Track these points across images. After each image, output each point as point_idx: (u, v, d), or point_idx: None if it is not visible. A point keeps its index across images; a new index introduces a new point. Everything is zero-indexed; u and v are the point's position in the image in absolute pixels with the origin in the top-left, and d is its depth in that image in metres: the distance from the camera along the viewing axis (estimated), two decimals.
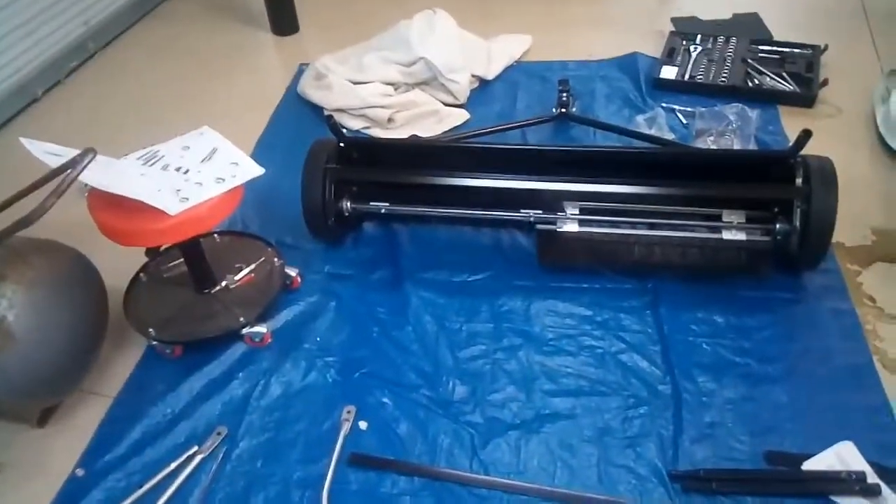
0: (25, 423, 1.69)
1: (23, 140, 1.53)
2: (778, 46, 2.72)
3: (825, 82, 2.49)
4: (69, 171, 1.31)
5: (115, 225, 1.57)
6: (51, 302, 1.52)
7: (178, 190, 1.60)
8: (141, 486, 1.54)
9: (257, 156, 2.27)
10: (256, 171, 1.70)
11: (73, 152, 1.47)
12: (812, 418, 1.57)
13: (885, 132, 2.26)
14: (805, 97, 2.47)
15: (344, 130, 2.08)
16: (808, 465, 1.48)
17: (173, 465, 1.57)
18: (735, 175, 1.81)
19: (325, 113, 2.02)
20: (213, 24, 3.43)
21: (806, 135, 1.69)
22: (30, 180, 1.50)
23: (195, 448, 1.60)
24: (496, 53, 2.80)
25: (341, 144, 1.96)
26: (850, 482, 1.43)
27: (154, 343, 1.79)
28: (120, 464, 1.59)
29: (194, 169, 1.67)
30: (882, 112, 2.31)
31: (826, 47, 2.66)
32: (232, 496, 1.52)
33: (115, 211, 1.57)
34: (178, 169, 1.67)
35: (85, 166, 1.30)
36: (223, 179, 1.65)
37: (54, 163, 1.45)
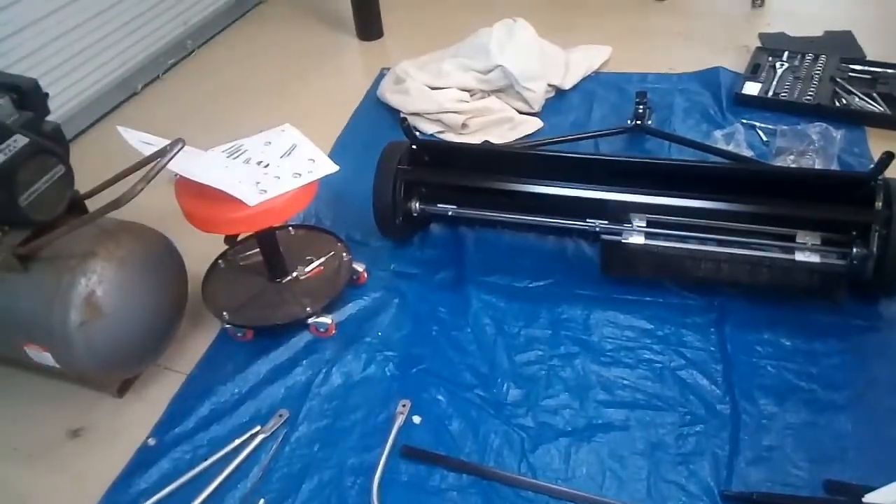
0: (106, 392, 1.81)
1: (119, 128, 1.65)
2: (870, 66, 2.62)
3: None
4: (159, 159, 1.40)
5: (198, 212, 1.67)
6: (136, 279, 1.63)
7: (258, 182, 1.69)
8: (206, 460, 1.62)
9: (335, 155, 2.38)
10: (331, 168, 1.77)
11: (164, 142, 1.58)
12: (878, 450, 1.52)
13: None
14: (894, 119, 2.37)
15: (418, 134, 2.14)
16: (869, 498, 1.42)
17: (236, 443, 1.65)
18: (812, 195, 1.76)
19: (401, 115, 2.08)
20: (303, 28, 3.57)
21: (889, 157, 1.63)
22: (124, 166, 1.63)
23: (258, 428, 1.68)
24: (574, 63, 2.81)
25: (413, 146, 2.01)
26: None
27: (227, 326, 1.88)
28: (188, 437, 1.69)
29: (274, 163, 1.76)
30: None
31: None
32: (288, 476, 1.59)
33: (199, 199, 1.67)
34: (259, 163, 1.76)
35: (173, 155, 1.39)
36: (300, 174, 1.73)
37: (146, 151, 1.56)
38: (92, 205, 1.77)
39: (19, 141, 1.44)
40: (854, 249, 1.72)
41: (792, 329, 1.78)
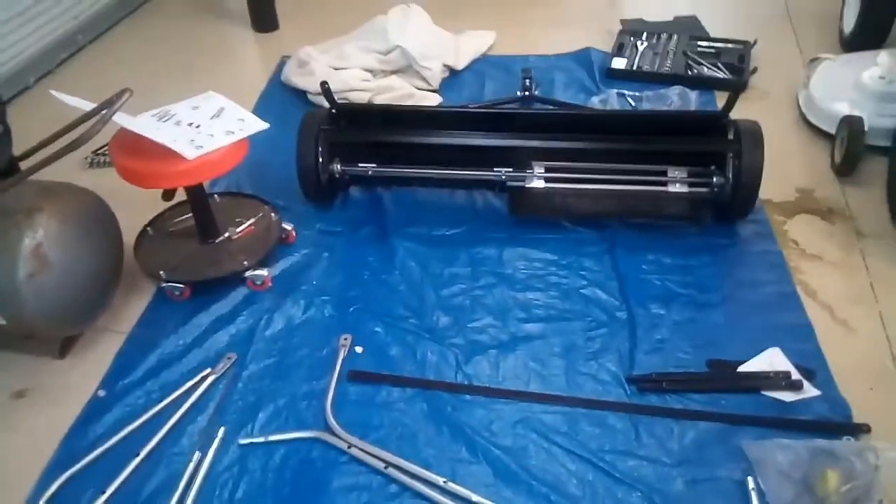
0: (47, 355, 1.84)
1: (53, 92, 1.72)
2: (714, 42, 3.06)
3: (755, 70, 2.83)
4: (104, 110, 1.50)
5: (137, 169, 1.76)
6: (79, 234, 1.70)
7: (192, 140, 1.80)
8: (160, 402, 1.71)
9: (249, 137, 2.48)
10: (261, 125, 1.91)
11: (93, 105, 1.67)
12: (746, 334, 1.83)
13: (806, 111, 2.60)
14: (737, 83, 2.79)
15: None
16: (743, 368, 1.74)
17: (189, 384, 1.75)
18: (677, 133, 2.09)
19: (320, 81, 2.23)
20: (197, 22, 3.63)
21: (734, 95, 1.99)
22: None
23: (208, 370, 1.78)
24: (464, 46, 3.07)
25: (333, 111, 2.17)
26: (778, 379, 1.70)
27: (164, 285, 1.96)
28: (138, 385, 1.77)
29: (205, 124, 1.87)
30: (804, 95, 2.64)
31: (755, 42, 3.01)
32: (244, 408, 1.70)
33: (136, 156, 1.77)
34: (189, 124, 1.87)
35: (123, 102, 1.49)
36: (232, 132, 1.86)
37: (86, 107, 1.63)
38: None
39: None
40: (714, 179, 2.06)
41: (670, 249, 2.10)
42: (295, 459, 1.59)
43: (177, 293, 1.97)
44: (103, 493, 1.52)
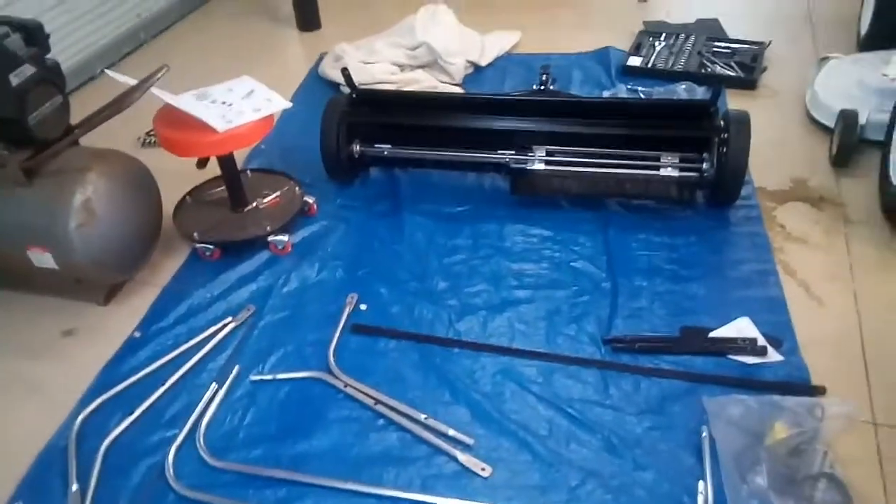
0: (92, 301, 2.11)
1: (107, 71, 1.99)
2: (730, 43, 3.17)
3: (765, 69, 2.93)
4: (146, 83, 1.75)
5: (175, 138, 2.02)
6: (123, 192, 1.95)
7: (223, 115, 2.05)
8: (186, 343, 1.94)
9: (283, 121, 2.74)
10: (285, 104, 2.15)
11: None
12: (721, 306, 1.96)
13: (810, 107, 2.69)
14: (747, 81, 2.90)
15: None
16: (713, 335, 1.87)
17: (212, 330, 1.98)
18: (670, 120, 2.24)
19: (341, 67, 2.46)
20: (248, 22, 3.94)
21: (720, 86, 2.13)
22: None
23: (229, 318, 2.01)
24: (489, 44, 3.26)
25: (353, 95, 2.40)
26: (744, 345, 1.82)
27: (197, 245, 2.20)
28: (169, 329, 2.01)
29: (236, 103, 2.12)
30: (810, 92, 2.74)
31: (770, 42, 3.10)
32: (258, 351, 1.92)
33: (175, 128, 2.02)
34: (223, 103, 2.12)
35: (160, 76, 1.74)
36: (259, 110, 2.09)
37: (133, 83, 1.89)
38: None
39: (28, 70, 1.75)
40: (704, 164, 2.19)
41: (661, 230, 2.23)
42: (298, 395, 1.80)
43: (207, 253, 2.21)
44: (132, 413, 1.76)
